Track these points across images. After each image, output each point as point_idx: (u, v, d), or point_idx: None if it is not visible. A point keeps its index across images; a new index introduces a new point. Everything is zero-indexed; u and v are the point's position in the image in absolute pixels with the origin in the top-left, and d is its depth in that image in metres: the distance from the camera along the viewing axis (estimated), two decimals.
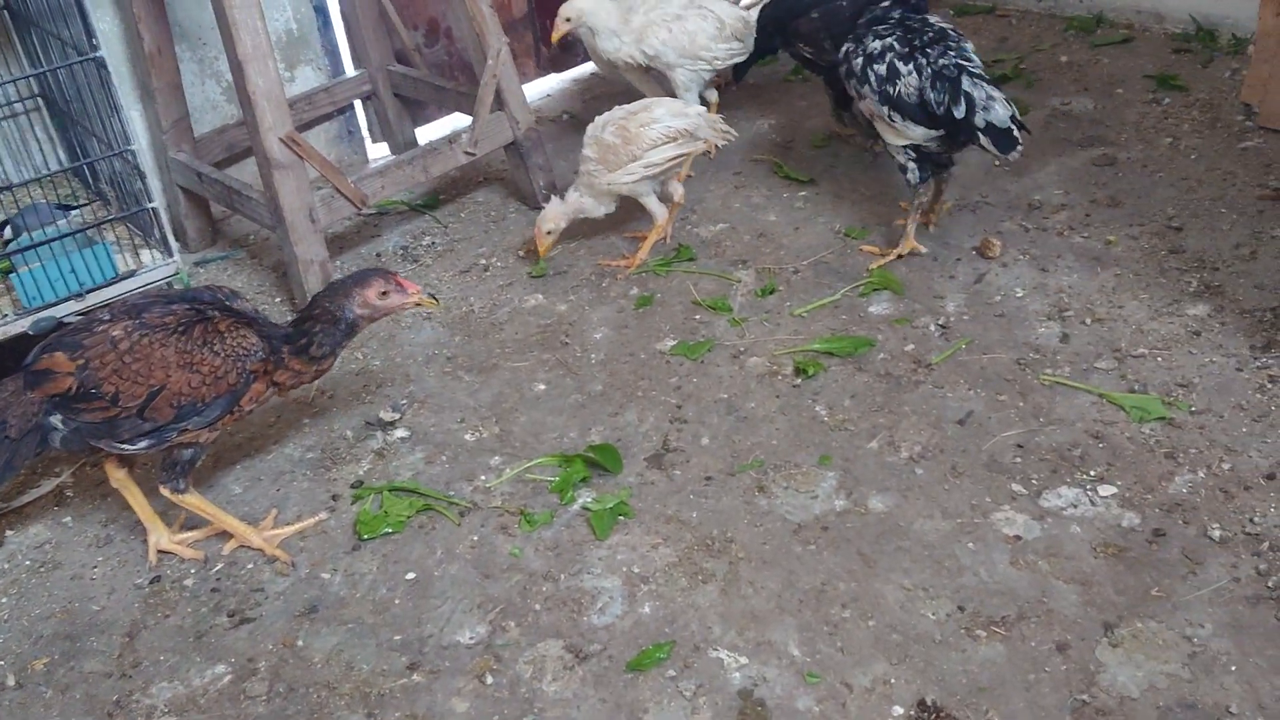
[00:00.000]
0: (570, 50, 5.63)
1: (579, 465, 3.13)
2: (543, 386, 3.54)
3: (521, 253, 4.28)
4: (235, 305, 2.90)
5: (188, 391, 2.72)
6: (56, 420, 2.73)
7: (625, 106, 4.00)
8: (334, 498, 3.19)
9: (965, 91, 3.38)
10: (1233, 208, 3.88)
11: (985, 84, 3.41)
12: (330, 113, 5.01)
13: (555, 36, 4.55)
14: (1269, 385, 3.10)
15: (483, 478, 3.19)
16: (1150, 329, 3.39)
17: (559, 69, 5.79)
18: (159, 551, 3.03)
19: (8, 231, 3.65)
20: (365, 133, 5.23)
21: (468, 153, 4.30)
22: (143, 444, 2.78)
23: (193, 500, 2.93)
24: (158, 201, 3.58)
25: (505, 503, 3.09)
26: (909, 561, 2.73)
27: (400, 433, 3.41)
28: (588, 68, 5.81)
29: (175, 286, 3.61)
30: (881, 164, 4.50)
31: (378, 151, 5.24)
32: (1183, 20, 5.17)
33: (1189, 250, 3.71)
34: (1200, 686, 2.34)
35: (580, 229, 4.26)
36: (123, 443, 2.77)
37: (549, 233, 4.01)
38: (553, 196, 4.08)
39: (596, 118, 4.01)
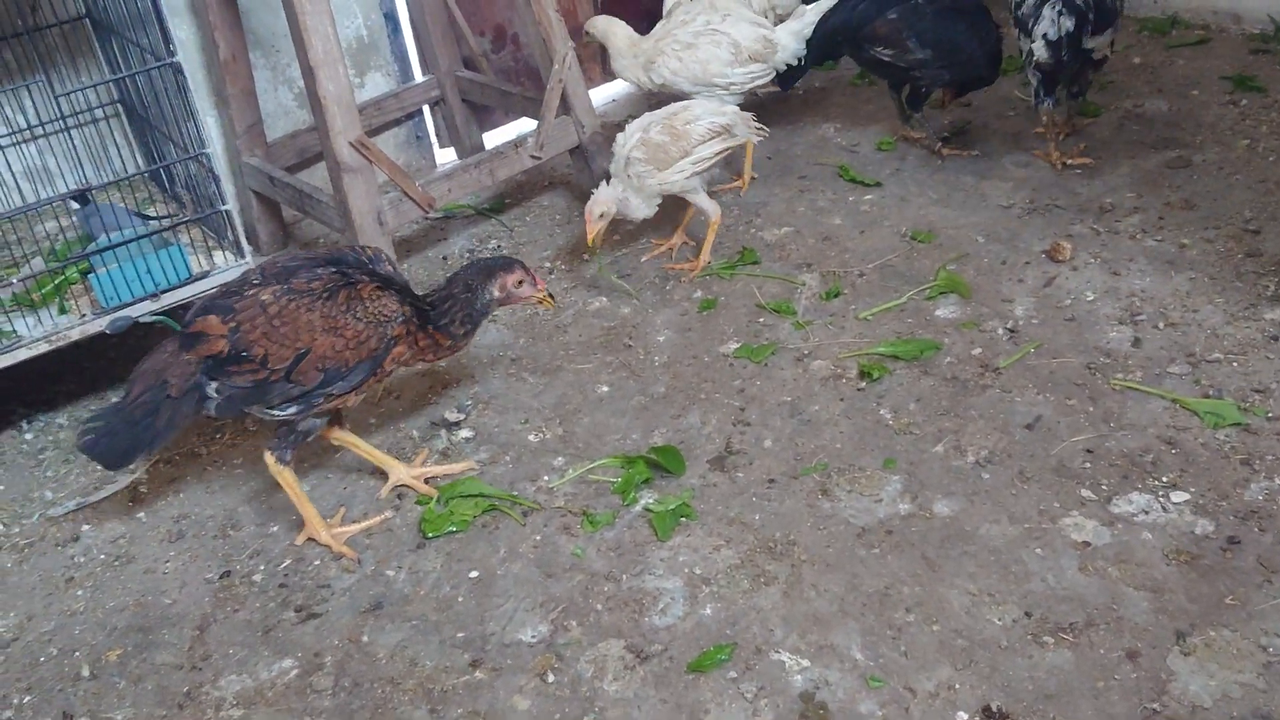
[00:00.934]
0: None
1: (641, 466, 3.13)
2: (606, 388, 3.55)
3: (586, 256, 4.29)
4: (380, 270, 2.98)
5: (332, 355, 2.80)
6: (211, 388, 2.82)
7: (663, 109, 4.01)
8: (400, 496, 3.23)
9: None
10: None
11: None
12: (399, 118, 5.08)
13: (582, 46, 4.67)
14: None
15: (546, 478, 3.20)
16: (1226, 333, 3.32)
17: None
18: (394, 487, 3.22)
19: (86, 223, 3.72)
20: (433, 137, 5.29)
21: (534, 156, 4.34)
22: (292, 409, 2.87)
23: (289, 477, 2.99)
24: (230, 204, 3.65)
25: (568, 503, 3.10)
26: (974, 566, 2.69)
27: (465, 433, 3.44)
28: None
29: None
30: (949, 166, 4.45)
31: (445, 156, 5.30)
32: (1261, 20, 5.05)
33: (1267, 253, 3.62)
34: (1276, 697, 2.28)
35: (640, 232, 4.27)
36: (272, 408, 2.86)
37: (600, 216, 3.94)
38: (601, 182, 4.07)
39: (632, 121, 4.02)
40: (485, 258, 3.05)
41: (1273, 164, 4.09)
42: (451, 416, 3.51)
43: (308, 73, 3.79)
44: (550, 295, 3.08)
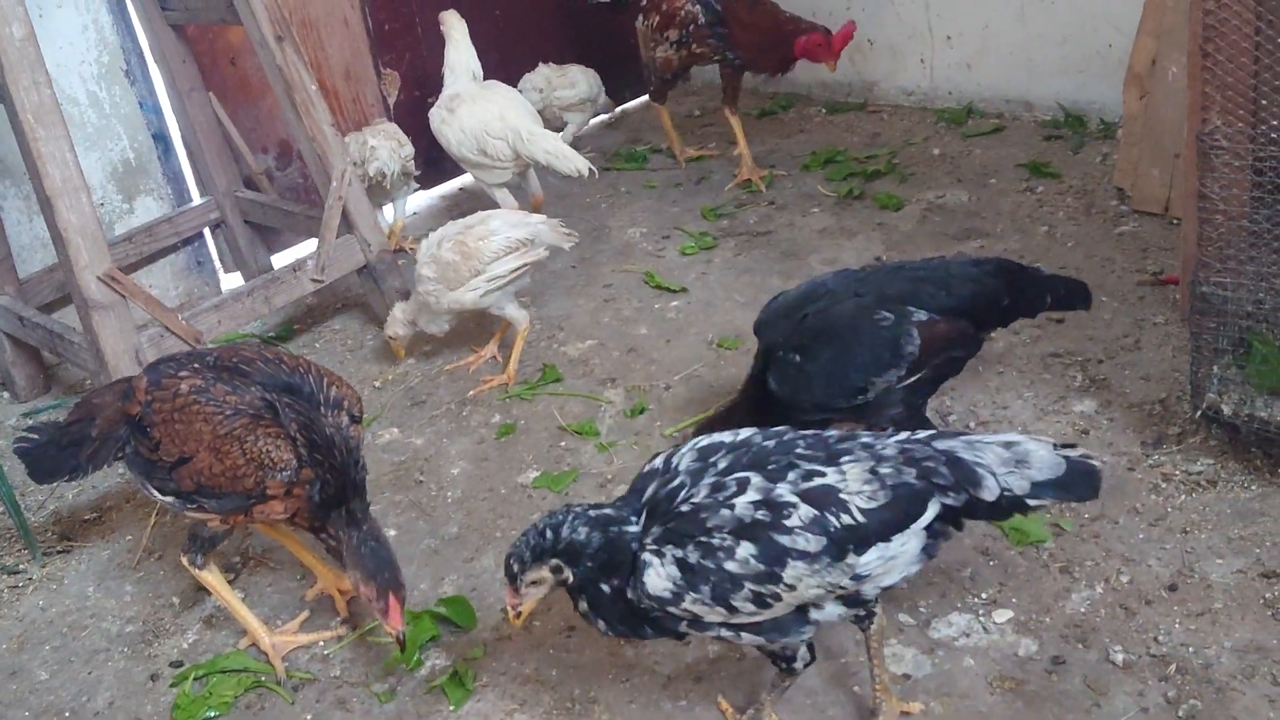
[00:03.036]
0: (437, 166, 5.42)
1: (427, 623, 2.81)
2: (393, 532, 3.22)
3: (378, 383, 3.99)
4: (321, 425, 2.59)
5: (207, 474, 2.60)
6: (129, 443, 2.76)
7: (461, 220, 3.80)
8: (152, 678, 2.83)
9: None
10: (1114, 295, 3.74)
11: None
12: (175, 244, 4.72)
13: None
14: (1162, 484, 2.91)
15: (321, 645, 2.85)
16: (1037, 430, 3.20)
17: (426, 185, 5.57)
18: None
19: None
20: (217, 262, 4.94)
21: (315, 280, 4.03)
22: (169, 499, 2.72)
23: (210, 579, 2.80)
24: None
25: (345, 672, 2.75)
26: (788, 713, 2.44)
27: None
28: (455, 183, 5.61)
29: None
30: (756, 267, 4.31)
31: (232, 281, 4.94)
32: (1051, 108, 5.12)
33: (1072, 343, 3.55)
34: None
35: (439, 349, 4.00)
36: (153, 489, 2.73)
37: (393, 338, 3.93)
38: (397, 301, 3.92)
39: (430, 234, 3.79)
40: (388, 569, 2.57)
41: (1071, 250, 4.06)
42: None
43: (45, 204, 3.44)
44: (400, 639, 2.58)
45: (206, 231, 4.84)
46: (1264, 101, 2.65)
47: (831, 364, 2.81)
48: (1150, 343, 3.48)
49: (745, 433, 2.27)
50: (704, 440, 2.27)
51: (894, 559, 2.12)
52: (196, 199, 4.76)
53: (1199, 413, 2.87)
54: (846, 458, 2.15)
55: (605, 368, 3.86)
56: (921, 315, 2.82)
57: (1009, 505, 2.16)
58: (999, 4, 5.13)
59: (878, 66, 5.72)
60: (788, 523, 2.07)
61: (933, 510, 2.12)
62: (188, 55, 4.43)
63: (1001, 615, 2.62)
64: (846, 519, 2.07)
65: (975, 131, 5.19)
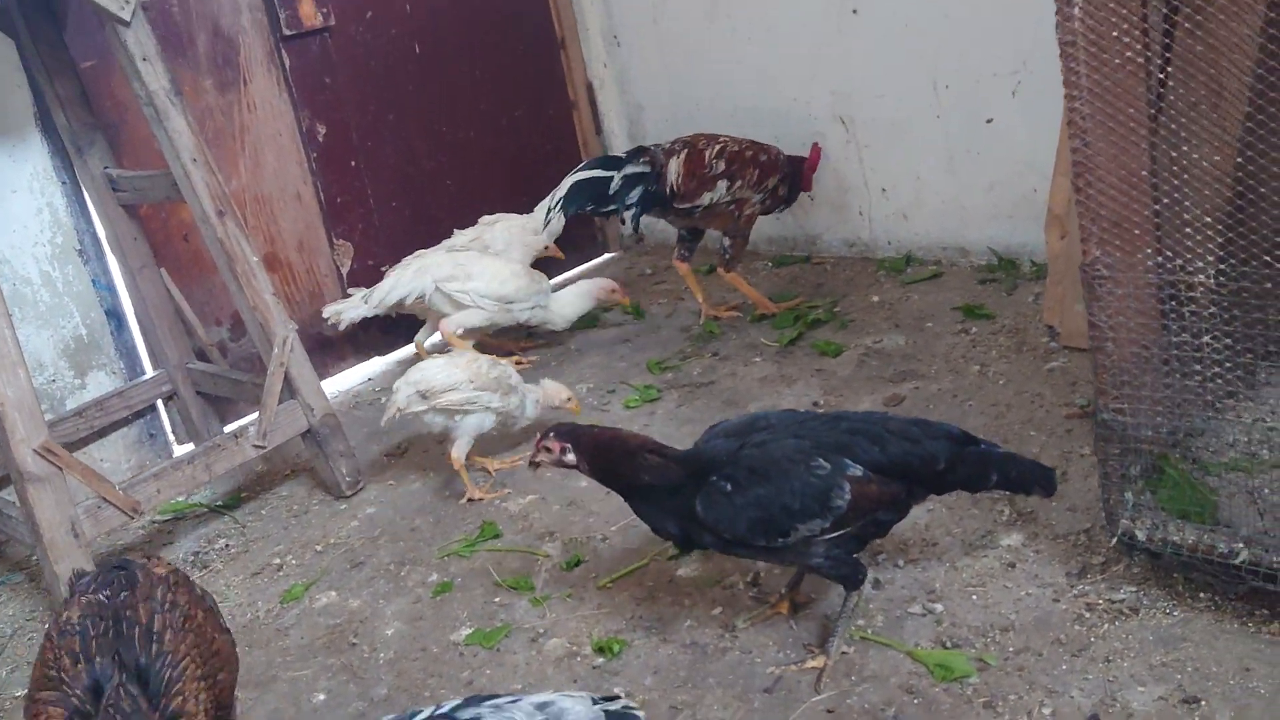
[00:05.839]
0: (392, 332, 5.53)
1: None
2: (322, 696, 3.18)
3: (319, 547, 3.99)
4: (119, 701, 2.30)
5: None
6: None
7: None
8: None
9: None
10: (1041, 429, 3.79)
11: None
12: (127, 417, 4.77)
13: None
14: (1086, 614, 2.90)
15: None
16: (964, 565, 3.20)
17: (382, 352, 5.67)
18: None
19: None
20: (170, 435, 4.98)
21: (256, 446, 4.07)
22: None
23: None
24: None
25: None
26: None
27: None
28: (410, 349, 5.71)
29: None
30: (697, 417, 4.36)
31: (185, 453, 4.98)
32: (985, 253, 5.27)
33: None
34: None
35: (388, 516, 4.01)
36: None
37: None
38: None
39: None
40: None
41: (1003, 387, 4.13)
42: None
43: None
44: None
45: (159, 404, 4.90)
46: (1160, 235, 2.77)
47: (760, 502, 2.80)
48: (1077, 474, 3.50)
49: None
50: None
51: None
52: (150, 372, 4.84)
53: (1114, 539, 2.88)
54: None
55: (544, 522, 3.87)
56: (857, 471, 2.82)
57: None
58: (928, 155, 5.33)
59: (819, 220, 5.90)
60: None
61: None
62: (139, 233, 4.58)
63: None
64: None
65: (913, 279, 5.32)
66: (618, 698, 2.17)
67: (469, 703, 2.13)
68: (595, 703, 2.12)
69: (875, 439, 2.88)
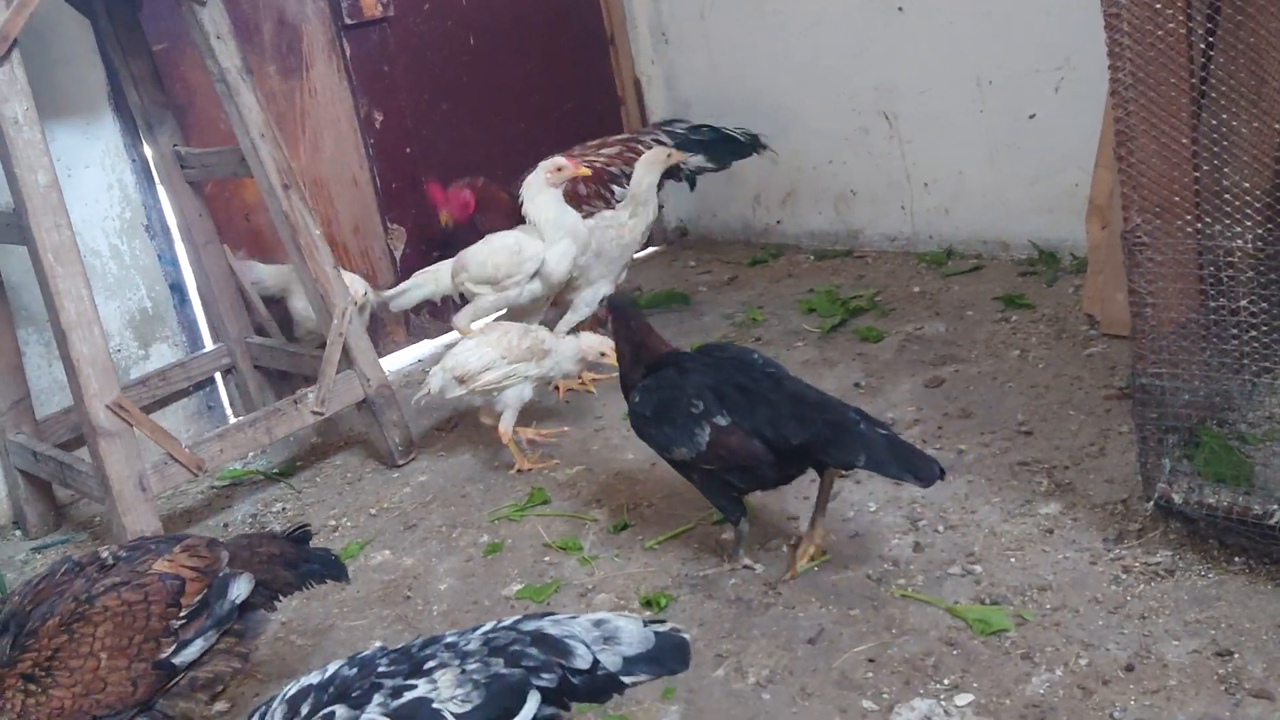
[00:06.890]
0: (441, 317, 5.67)
1: None
2: (379, 644, 3.29)
3: (374, 511, 4.13)
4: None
5: None
6: None
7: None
8: None
9: None
10: (1080, 409, 3.87)
11: None
12: (187, 388, 4.94)
13: None
14: (1123, 576, 2.98)
15: None
16: (1003, 530, 3.28)
17: (431, 336, 5.81)
18: None
19: None
20: (227, 407, 5.14)
21: (315, 412, 4.21)
22: None
23: None
24: None
25: None
26: None
27: (220, 705, 3.14)
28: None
29: None
30: None
31: None
32: (1026, 246, 5.35)
33: (1040, 452, 3.66)
34: None
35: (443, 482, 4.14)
36: None
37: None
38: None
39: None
40: None
41: (1042, 370, 4.21)
42: None
43: (61, 338, 3.66)
44: None
45: (218, 376, 5.06)
46: (1200, 202, 2.85)
47: (654, 414, 3.24)
48: (1115, 450, 3.58)
49: (332, 667, 2.23)
50: (293, 688, 2.21)
51: None
52: (209, 345, 5.00)
53: (1151, 502, 2.96)
54: (432, 663, 2.15)
55: (591, 490, 3.99)
56: (723, 420, 3.10)
57: (605, 682, 2.16)
58: (970, 150, 5.43)
59: (861, 215, 6.00)
60: None
61: (533, 703, 2.09)
62: (204, 210, 4.74)
63: (962, 699, 2.66)
64: None
65: (954, 271, 5.41)
66: (664, 620, 2.28)
67: (528, 618, 2.25)
68: (645, 624, 2.24)
69: (760, 402, 3.11)
